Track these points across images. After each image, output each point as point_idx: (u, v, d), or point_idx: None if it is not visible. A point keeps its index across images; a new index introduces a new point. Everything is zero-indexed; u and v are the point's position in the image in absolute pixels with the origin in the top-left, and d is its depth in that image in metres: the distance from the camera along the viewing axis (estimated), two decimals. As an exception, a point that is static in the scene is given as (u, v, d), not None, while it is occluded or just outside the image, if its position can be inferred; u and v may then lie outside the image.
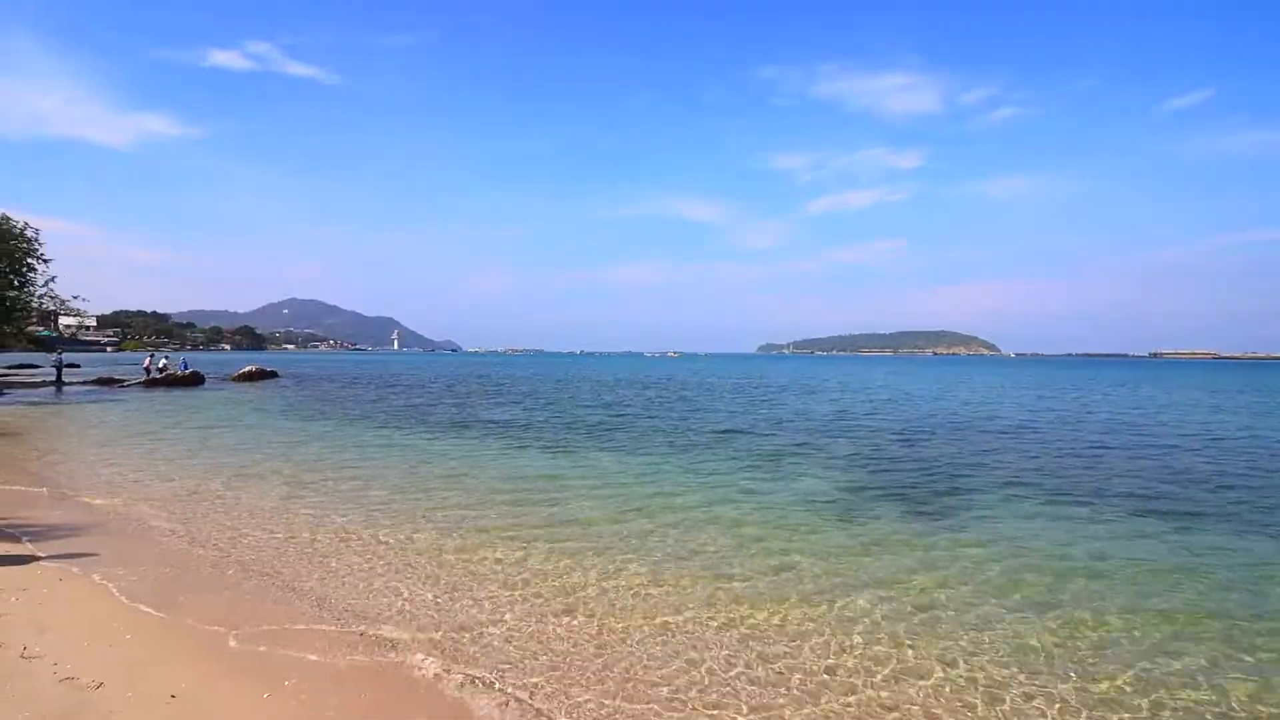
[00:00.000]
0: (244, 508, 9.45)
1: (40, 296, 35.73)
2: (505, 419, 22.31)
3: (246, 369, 44.57)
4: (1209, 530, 8.76)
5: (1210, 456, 15.13)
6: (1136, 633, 5.51)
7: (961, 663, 4.94)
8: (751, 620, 5.66)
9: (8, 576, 6.13)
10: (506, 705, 4.26)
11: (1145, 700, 4.44)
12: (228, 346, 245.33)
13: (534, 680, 4.60)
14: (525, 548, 7.63)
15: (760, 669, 4.81)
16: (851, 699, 4.42)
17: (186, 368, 39.08)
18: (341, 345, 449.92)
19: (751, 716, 4.20)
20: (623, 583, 6.53)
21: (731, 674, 4.73)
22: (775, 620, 5.67)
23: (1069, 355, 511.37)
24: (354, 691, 4.36)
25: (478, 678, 4.60)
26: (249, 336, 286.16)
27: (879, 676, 4.72)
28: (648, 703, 4.33)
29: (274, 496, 10.18)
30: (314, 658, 4.83)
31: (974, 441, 17.42)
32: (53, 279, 35.66)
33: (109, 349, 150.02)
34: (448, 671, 4.68)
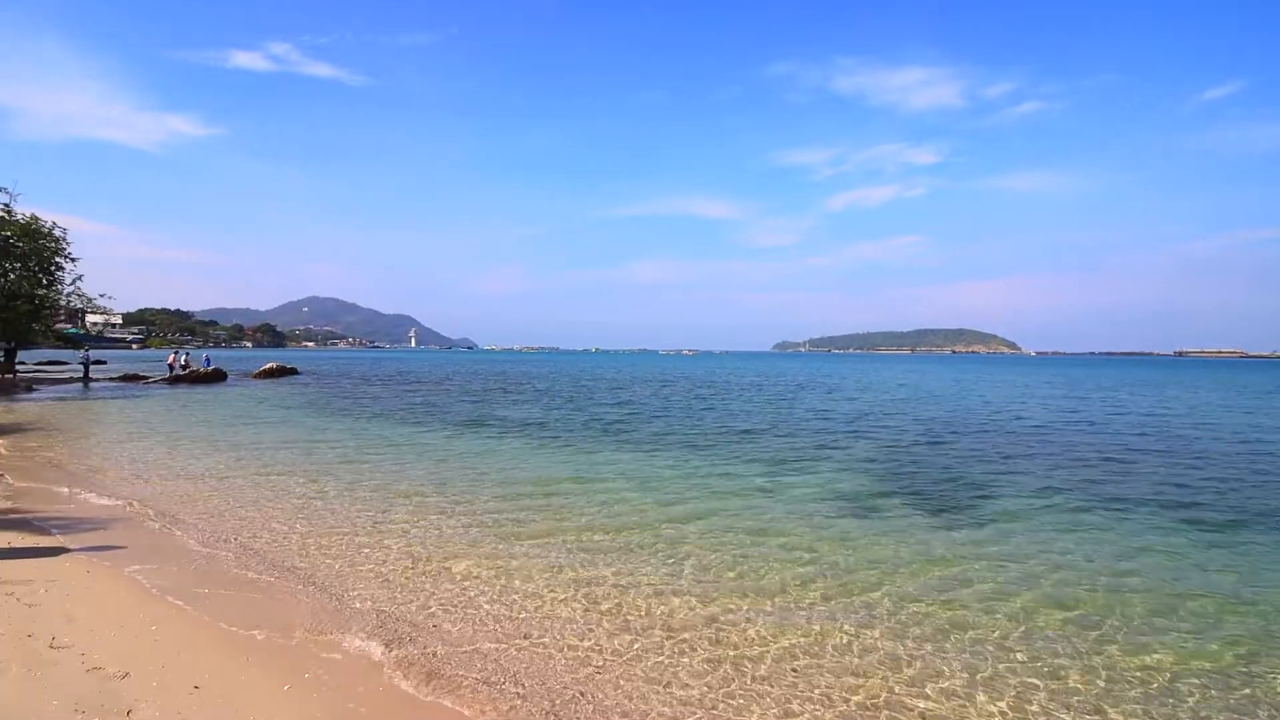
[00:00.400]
0: (266, 503, 9.57)
1: (68, 295, 36.59)
2: (523, 417, 22.40)
3: (267, 366, 45.25)
4: (1260, 541, 8.24)
5: (1249, 460, 14.65)
6: (1178, 646, 5.38)
7: (990, 671, 4.86)
8: (779, 626, 5.62)
9: (38, 568, 6.26)
10: (524, 701, 4.27)
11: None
12: (249, 344, 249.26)
13: (555, 684, 4.60)
14: (545, 547, 7.65)
15: (797, 677, 4.77)
16: (879, 700, 4.37)
17: (209, 364, 39.74)
18: (359, 343, 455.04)
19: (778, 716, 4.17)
20: (642, 580, 6.53)
21: (760, 674, 4.70)
22: (804, 624, 5.62)
23: (1091, 354, 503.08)
24: (374, 685, 4.39)
25: (491, 679, 4.61)
26: (269, 334, 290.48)
27: (906, 679, 4.67)
28: (675, 705, 4.31)
29: (296, 492, 10.30)
30: (334, 653, 4.87)
31: (1000, 443, 17.14)
32: (80, 277, 36.50)
33: (134, 346, 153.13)
34: (465, 671, 4.70)
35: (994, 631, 5.43)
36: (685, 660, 4.87)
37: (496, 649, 5.00)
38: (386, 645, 4.99)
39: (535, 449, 15.19)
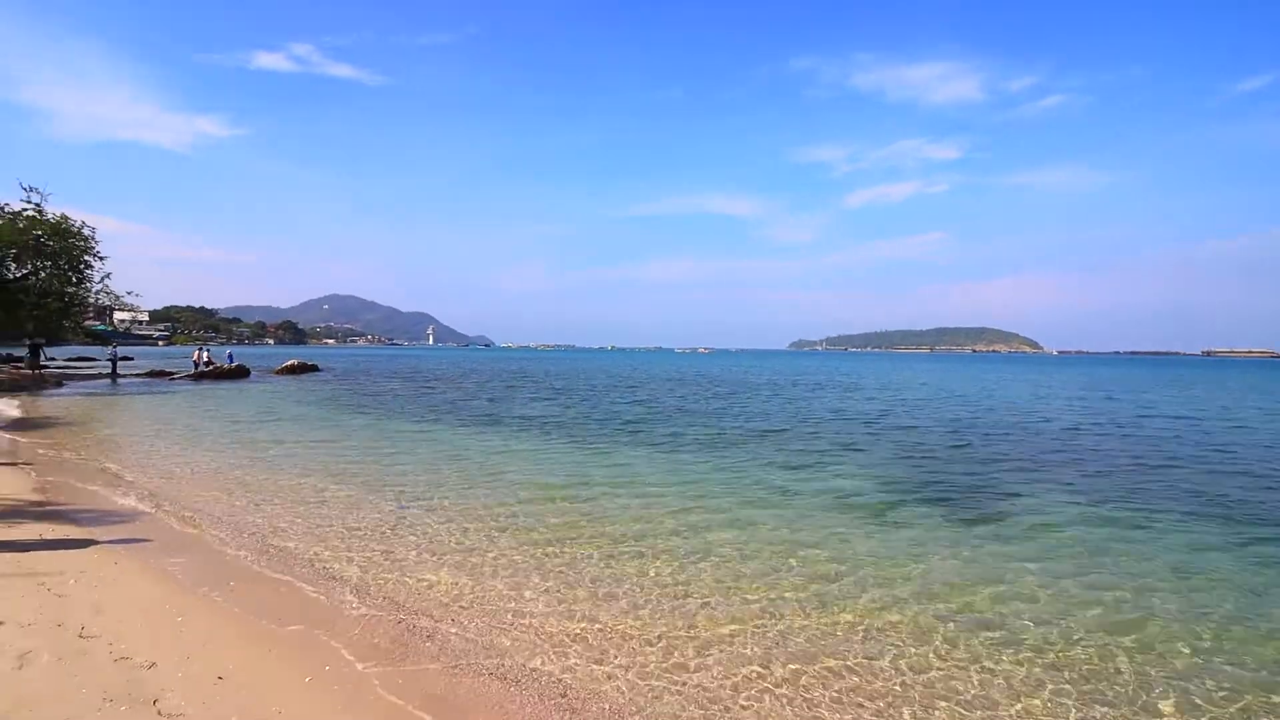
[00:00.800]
0: (288, 499, 9.69)
1: (96, 292, 37.27)
2: (540, 414, 22.47)
3: (289, 363, 45.91)
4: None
5: None
6: (1227, 655, 5.23)
7: (1018, 678, 4.76)
8: (801, 626, 5.56)
9: (67, 559, 6.39)
10: (545, 697, 4.27)
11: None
12: (271, 341, 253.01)
13: (571, 681, 4.60)
14: (564, 544, 7.66)
15: (815, 682, 4.72)
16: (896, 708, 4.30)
17: (233, 361, 40.39)
18: (378, 340, 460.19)
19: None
20: (655, 578, 6.51)
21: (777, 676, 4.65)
22: (825, 627, 5.56)
23: (1115, 353, 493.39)
24: (393, 677, 4.42)
25: (507, 675, 4.62)
26: (291, 331, 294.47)
27: (923, 685, 4.59)
28: (695, 706, 4.29)
29: (317, 489, 10.41)
30: (353, 648, 4.91)
31: (1027, 444, 16.82)
32: (108, 275, 37.17)
33: (160, 343, 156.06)
34: (482, 662, 4.71)
35: (1029, 638, 5.32)
36: (699, 660, 4.84)
37: (512, 645, 5.02)
38: (404, 640, 5.02)
39: (553, 447, 15.23)
